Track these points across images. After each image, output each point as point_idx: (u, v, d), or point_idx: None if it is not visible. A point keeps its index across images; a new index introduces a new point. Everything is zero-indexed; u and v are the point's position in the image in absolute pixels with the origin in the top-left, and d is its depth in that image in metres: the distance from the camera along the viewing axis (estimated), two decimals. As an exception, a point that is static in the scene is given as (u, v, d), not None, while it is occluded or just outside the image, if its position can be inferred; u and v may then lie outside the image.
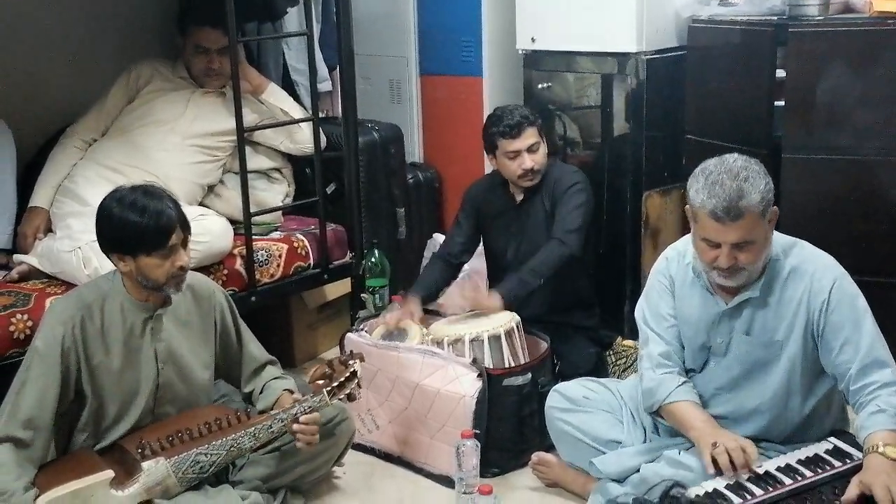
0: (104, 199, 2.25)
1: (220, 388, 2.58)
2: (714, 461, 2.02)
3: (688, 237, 2.22)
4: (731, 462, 1.99)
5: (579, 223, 2.86)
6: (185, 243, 2.27)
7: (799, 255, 2.15)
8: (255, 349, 2.53)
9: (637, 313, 2.34)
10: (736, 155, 2.10)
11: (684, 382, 2.21)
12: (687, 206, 2.14)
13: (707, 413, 2.17)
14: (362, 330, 2.90)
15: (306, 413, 2.31)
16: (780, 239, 2.17)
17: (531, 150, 2.89)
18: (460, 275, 3.15)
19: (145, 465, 2.19)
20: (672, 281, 2.27)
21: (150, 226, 2.18)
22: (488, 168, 3.59)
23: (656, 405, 2.23)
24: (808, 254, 2.15)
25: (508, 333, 2.70)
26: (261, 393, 2.47)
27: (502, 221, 3.06)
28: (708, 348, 2.23)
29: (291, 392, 2.45)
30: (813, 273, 2.11)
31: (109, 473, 2.16)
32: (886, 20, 2.68)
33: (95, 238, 2.29)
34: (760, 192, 2.02)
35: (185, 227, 2.26)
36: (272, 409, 2.40)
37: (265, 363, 2.53)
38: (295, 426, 2.31)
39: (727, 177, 2.03)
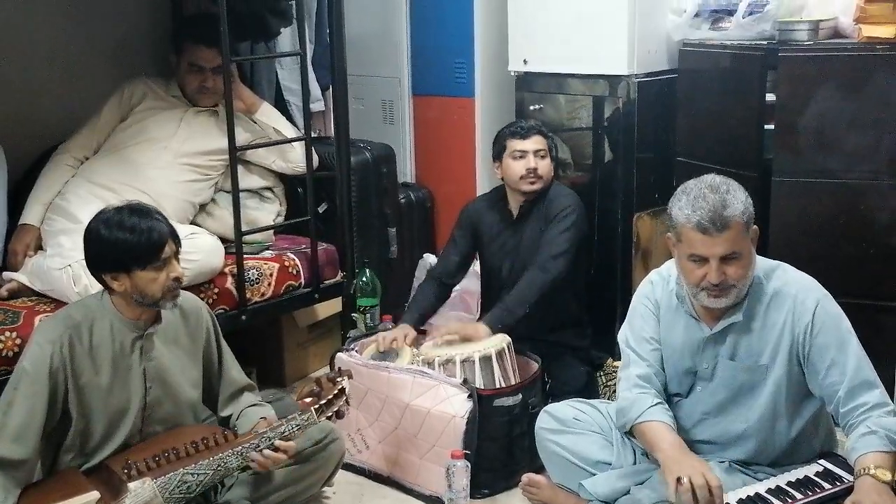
0: (90, 223, 2.24)
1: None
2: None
3: (671, 262, 2.23)
4: (696, 498, 1.96)
5: (565, 247, 2.89)
6: (177, 255, 2.27)
7: (781, 277, 2.16)
8: (235, 372, 2.51)
9: (620, 336, 2.34)
10: (713, 174, 2.14)
11: (658, 403, 2.20)
12: (668, 234, 2.15)
13: (677, 436, 2.14)
14: (353, 349, 2.89)
15: (294, 431, 2.30)
16: (761, 262, 2.18)
17: (537, 154, 2.96)
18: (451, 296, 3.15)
19: (132, 485, 2.17)
20: (657, 305, 2.27)
21: (142, 241, 2.18)
22: (480, 189, 3.62)
23: (629, 424, 2.22)
24: (790, 277, 2.16)
25: (499, 354, 2.70)
26: (237, 419, 2.44)
27: (499, 239, 3.07)
28: (694, 373, 2.23)
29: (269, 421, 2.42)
30: (796, 296, 2.12)
31: (95, 495, 2.14)
32: (875, 46, 2.71)
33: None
34: (742, 202, 2.06)
35: (175, 238, 2.26)
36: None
37: (243, 388, 2.51)
38: (262, 452, 2.24)
39: (709, 191, 2.07)
